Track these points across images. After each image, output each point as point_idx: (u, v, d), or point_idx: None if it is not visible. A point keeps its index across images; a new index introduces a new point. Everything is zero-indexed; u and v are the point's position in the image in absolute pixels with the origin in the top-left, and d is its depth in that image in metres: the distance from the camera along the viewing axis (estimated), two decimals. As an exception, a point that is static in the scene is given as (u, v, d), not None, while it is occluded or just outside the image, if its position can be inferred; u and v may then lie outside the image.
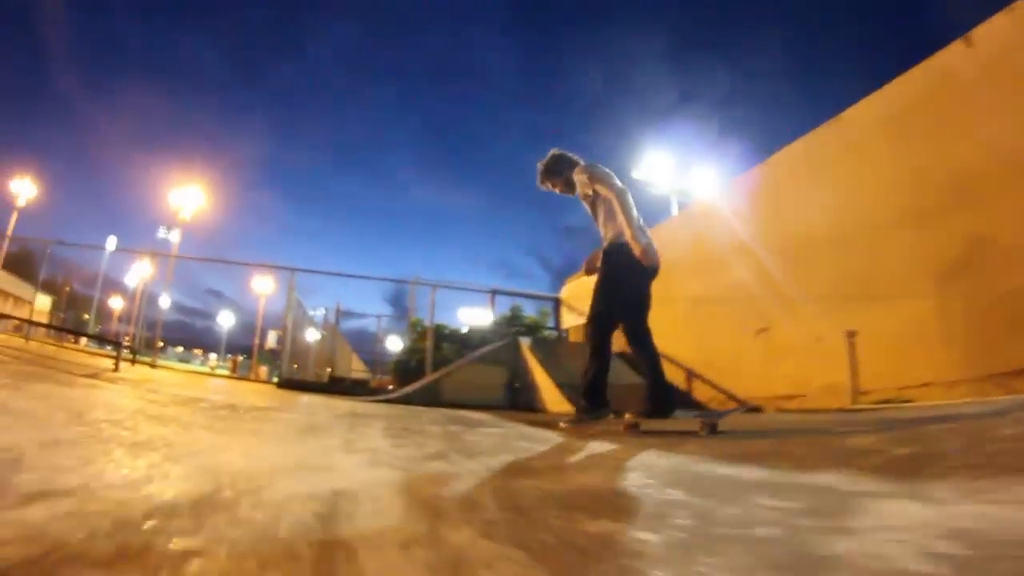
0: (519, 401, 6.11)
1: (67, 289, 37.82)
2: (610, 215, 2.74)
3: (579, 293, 8.25)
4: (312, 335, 10.85)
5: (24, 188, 15.20)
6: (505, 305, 9.56)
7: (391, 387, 8.02)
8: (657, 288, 2.88)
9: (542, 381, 5.95)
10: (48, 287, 35.09)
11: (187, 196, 15.02)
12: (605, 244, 2.79)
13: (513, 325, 8.93)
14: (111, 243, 10.95)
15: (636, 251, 2.60)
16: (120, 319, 36.41)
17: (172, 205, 14.88)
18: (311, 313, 10.32)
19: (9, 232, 8.88)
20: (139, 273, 27.69)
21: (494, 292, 9.19)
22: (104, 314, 38.18)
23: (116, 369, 4.95)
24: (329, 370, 10.57)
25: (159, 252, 8.39)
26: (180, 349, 56.71)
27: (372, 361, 14.14)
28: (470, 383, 6.09)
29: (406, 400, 5.97)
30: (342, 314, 12.19)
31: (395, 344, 13.35)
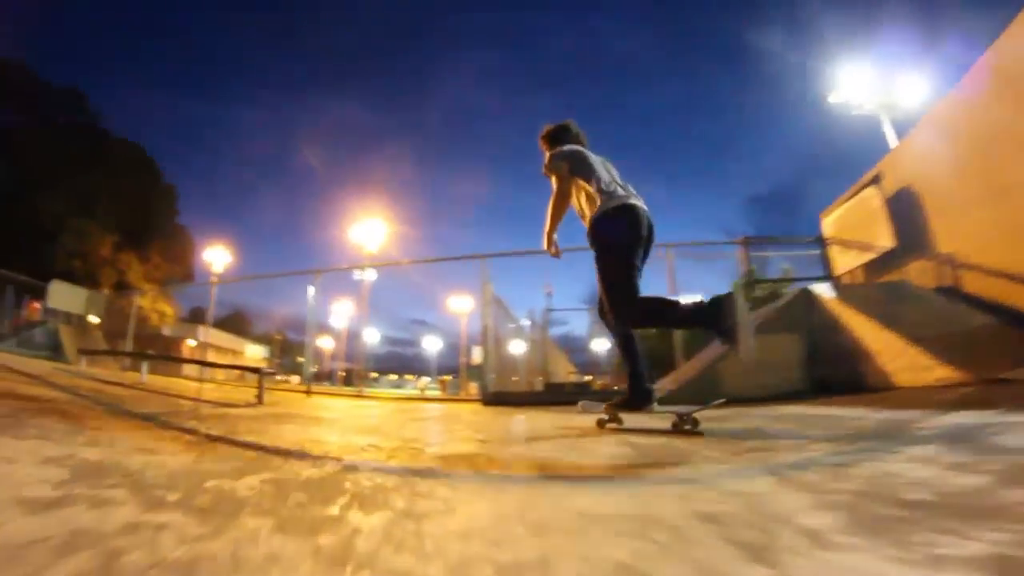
0: (831, 378, 4.20)
1: (279, 338, 44.37)
2: (588, 199, 2.50)
3: (853, 222, 5.99)
4: (518, 347, 9.61)
5: (219, 256, 16.92)
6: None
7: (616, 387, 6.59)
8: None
9: (879, 342, 3.94)
10: (264, 339, 41.70)
11: (369, 231, 15.05)
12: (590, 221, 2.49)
13: (751, 293, 6.81)
14: (311, 292, 11.53)
15: (545, 244, 2.67)
16: (333, 357, 40.67)
17: (355, 242, 14.99)
18: (514, 325, 9.12)
19: (213, 292, 9.32)
20: (342, 313, 31.54)
21: (747, 242, 6.70)
22: (319, 355, 43.58)
23: (258, 402, 4.04)
24: (541, 379, 9.36)
25: (317, 270, 7.94)
26: (393, 376, 61.79)
27: (585, 363, 13.09)
28: (756, 365, 4.27)
29: (670, 400, 4.43)
30: (549, 316, 10.90)
31: (602, 345, 12.19)
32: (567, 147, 2.61)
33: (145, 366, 6.01)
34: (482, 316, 5.96)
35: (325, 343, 42.40)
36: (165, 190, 30.34)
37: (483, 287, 5.94)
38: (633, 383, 2.45)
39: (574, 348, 16.85)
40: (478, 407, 5.31)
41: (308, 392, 6.82)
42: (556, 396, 6.13)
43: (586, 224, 2.49)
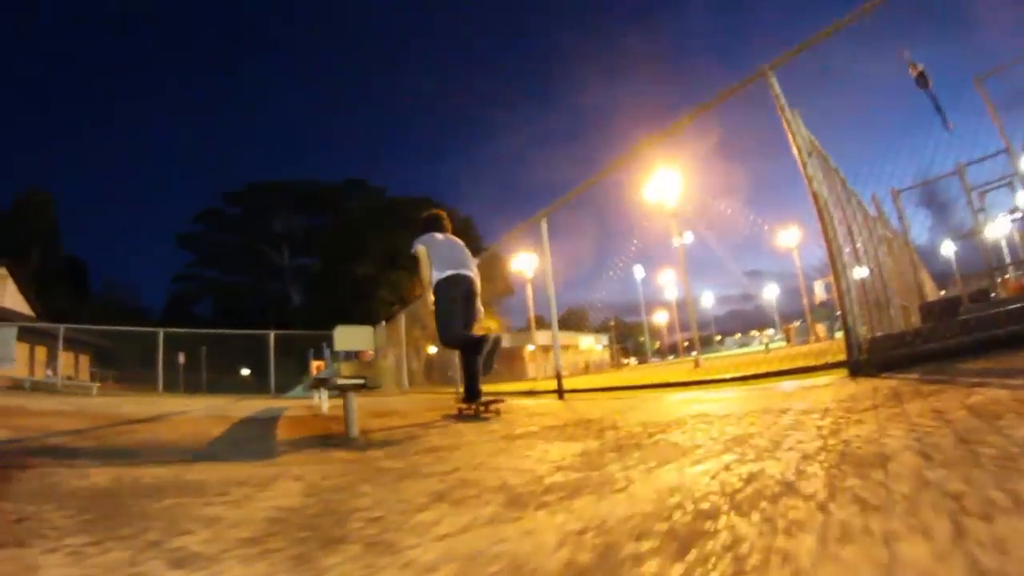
0: None
1: (613, 324, 46.22)
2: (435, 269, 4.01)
3: None
4: (860, 271, 5.00)
5: (526, 262, 16.92)
6: None
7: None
8: None
9: None
10: (603, 328, 43.73)
11: (665, 184, 12.56)
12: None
13: None
14: (638, 271, 9.80)
15: (425, 297, 4.08)
16: (670, 329, 39.90)
17: (649, 201, 12.49)
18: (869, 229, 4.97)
19: (530, 302, 8.36)
20: (670, 284, 30.47)
21: None
22: (656, 331, 43.31)
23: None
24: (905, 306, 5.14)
25: (542, 212, 5.49)
26: (737, 336, 58.57)
27: (938, 274, 9.30)
28: None
29: None
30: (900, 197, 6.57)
31: (949, 248, 8.80)
32: (426, 235, 4.09)
33: (324, 393, 5.35)
34: (807, 181, 2.73)
35: (659, 318, 41.03)
36: (462, 222, 34.89)
37: (783, 120, 2.72)
38: (468, 386, 3.72)
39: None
40: (842, 383, 2.45)
41: (559, 393, 4.74)
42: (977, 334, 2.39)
43: (428, 287, 3.98)
